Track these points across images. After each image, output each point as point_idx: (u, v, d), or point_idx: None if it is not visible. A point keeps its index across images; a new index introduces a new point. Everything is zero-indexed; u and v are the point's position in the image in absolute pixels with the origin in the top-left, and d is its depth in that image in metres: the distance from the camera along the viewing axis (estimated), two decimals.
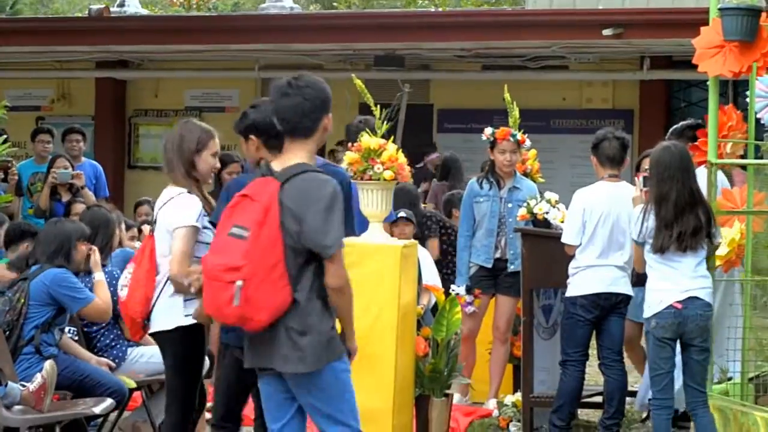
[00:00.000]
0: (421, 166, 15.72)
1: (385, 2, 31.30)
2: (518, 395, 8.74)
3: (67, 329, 8.18)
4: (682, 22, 12.97)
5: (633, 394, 8.71)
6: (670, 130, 9.17)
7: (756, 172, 7.99)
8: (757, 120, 8.07)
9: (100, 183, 12.46)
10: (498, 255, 9.46)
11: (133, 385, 8.25)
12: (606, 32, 14.74)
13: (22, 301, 7.82)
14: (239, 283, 5.20)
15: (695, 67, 7.53)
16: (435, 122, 17.81)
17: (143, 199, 11.84)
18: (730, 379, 7.72)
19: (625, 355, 8.33)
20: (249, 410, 6.85)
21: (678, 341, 7.26)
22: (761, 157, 8.36)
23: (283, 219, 5.29)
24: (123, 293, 6.63)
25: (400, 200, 8.54)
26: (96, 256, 8.20)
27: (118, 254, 8.98)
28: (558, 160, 16.39)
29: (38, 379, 7.34)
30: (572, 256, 8.04)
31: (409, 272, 8.07)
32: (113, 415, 8.28)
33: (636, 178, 7.84)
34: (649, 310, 7.31)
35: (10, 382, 7.35)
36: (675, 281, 7.25)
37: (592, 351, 8.19)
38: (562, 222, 8.64)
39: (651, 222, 7.27)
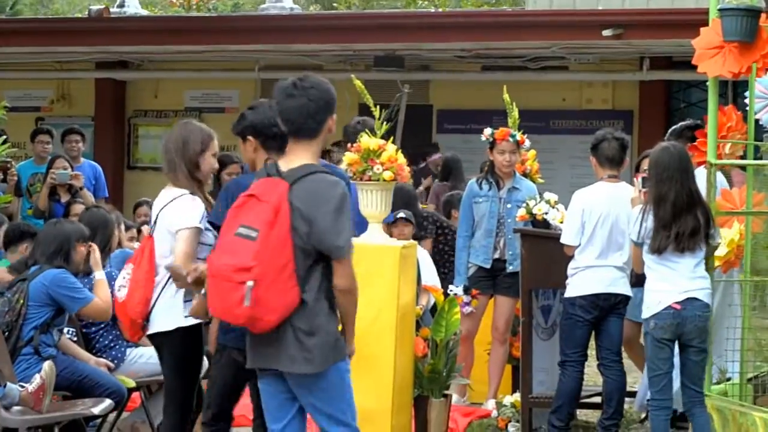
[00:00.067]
0: (423, 165, 15.73)
1: (385, 3, 31.30)
2: (517, 396, 8.73)
3: (66, 330, 8.18)
4: (682, 23, 12.97)
5: (632, 394, 8.70)
6: (669, 130, 9.16)
7: (755, 173, 7.99)
8: (757, 120, 8.07)
9: (100, 183, 12.47)
10: (497, 255, 9.46)
11: (132, 384, 8.26)
12: (606, 33, 14.73)
13: (21, 301, 7.82)
14: (250, 283, 5.19)
15: (695, 67, 7.53)
16: (434, 123, 17.81)
17: (142, 199, 11.83)
18: (728, 379, 7.72)
19: (624, 355, 8.33)
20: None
21: (676, 342, 7.26)
22: (761, 158, 8.36)
23: (292, 220, 5.29)
24: (120, 294, 6.61)
25: (397, 200, 8.52)
26: (96, 255, 8.19)
27: (118, 255, 8.98)
28: (557, 160, 16.39)
29: (37, 379, 7.34)
30: (571, 257, 8.03)
31: (408, 273, 8.07)
32: (112, 416, 8.28)
33: (635, 179, 7.84)
34: (647, 311, 7.31)
35: (8, 383, 7.35)
36: (673, 282, 7.25)
37: (591, 351, 8.19)
38: (562, 222, 8.64)
39: (650, 223, 7.27)
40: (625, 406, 8.29)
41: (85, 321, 8.41)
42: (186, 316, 6.47)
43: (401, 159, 8.05)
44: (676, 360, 7.33)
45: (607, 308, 7.97)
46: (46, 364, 7.41)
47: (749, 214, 7.73)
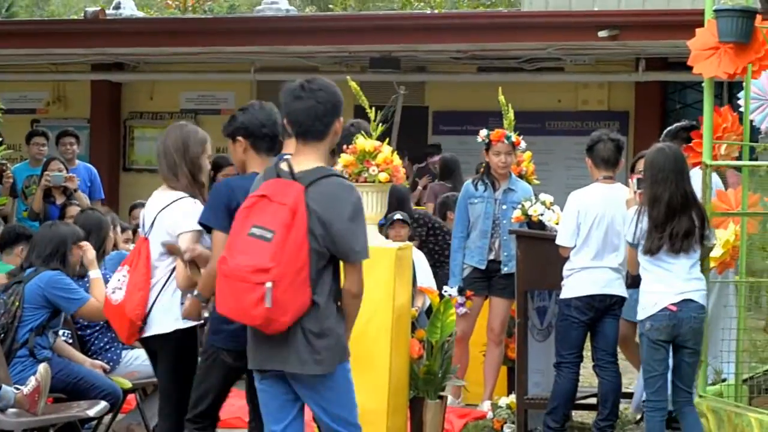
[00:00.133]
0: (423, 165, 15.73)
1: (380, 4, 31.31)
2: (512, 397, 8.73)
3: (61, 332, 8.17)
4: (678, 24, 12.97)
5: (627, 395, 8.70)
6: (665, 131, 9.17)
7: (751, 174, 7.99)
8: (751, 121, 8.08)
9: (95, 186, 12.47)
10: (492, 257, 9.46)
11: (129, 385, 8.26)
12: (601, 34, 14.74)
13: (17, 304, 7.81)
14: (269, 284, 5.18)
15: (690, 68, 7.52)
16: (430, 124, 17.82)
17: (138, 202, 11.79)
18: (724, 380, 7.71)
19: (621, 356, 8.33)
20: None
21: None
22: (756, 159, 8.36)
23: (309, 223, 5.30)
24: (115, 296, 6.59)
25: (390, 200, 8.53)
26: (89, 254, 8.14)
27: (113, 257, 8.96)
28: (553, 162, 16.40)
29: (32, 382, 7.33)
30: (567, 258, 8.03)
31: (404, 274, 8.07)
32: (107, 418, 8.28)
33: (630, 180, 7.84)
34: (643, 313, 7.31)
35: (4, 386, 7.34)
36: (669, 283, 7.25)
37: (587, 353, 8.19)
38: (557, 224, 8.64)
39: (645, 224, 7.27)
40: (621, 407, 8.29)
41: (80, 323, 8.40)
42: (185, 319, 6.47)
43: (397, 160, 8.06)
44: (671, 361, 7.33)
45: (603, 309, 7.97)
46: (42, 367, 7.40)
47: (745, 215, 7.74)
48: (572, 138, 16.57)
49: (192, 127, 6.81)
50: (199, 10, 30.27)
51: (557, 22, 15.49)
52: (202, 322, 6.47)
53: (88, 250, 8.15)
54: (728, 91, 15.19)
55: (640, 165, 8.28)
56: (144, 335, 6.58)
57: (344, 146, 8.13)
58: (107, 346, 8.42)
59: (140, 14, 19.76)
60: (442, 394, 8.39)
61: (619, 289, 8.01)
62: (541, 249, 8.43)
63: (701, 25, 7.53)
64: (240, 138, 6.42)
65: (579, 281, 7.96)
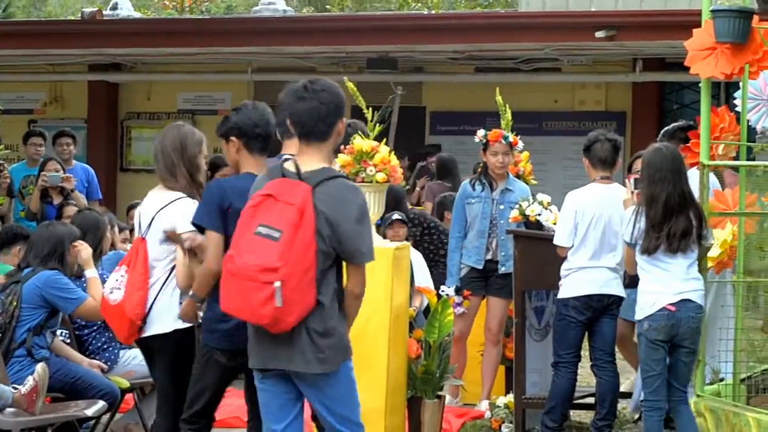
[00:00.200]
0: (423, 165, 15.72)
1: (378, 5, 31.30)
2: (510, 397, 8.74)
3: (59, 332, 8.16)
4: (675, 24, 12.98)
5: (625, 395, 8.71)
6: (662, 131, 9.18)
7: (748, 174, 8.00)
8: (748, 121, 8.08)
9: (92, 186, 12.47)
10: (489, 256, 9.46)
11: (127, 385, 8.26)
12: (599, 34, 14.73)
13: (15, 304, 7.81)
14: (278, 284, 5.20)
15: (688, 69, 7.53)
16: (428, 124, 17.82)
17: (135, 202, 11.77)
18: (722, 380, 7.72)
19: (619, 356, 8.34)
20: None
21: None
22: (753, 159, 8.37)
23: (317, 223, 5.32)
24: (113, 296, 6.58)
25: (387, 200, 8.52)
26: (84, 253, 8.12)
27: (111, 257, 8.95)
28: (550, 162, 16.40)
29: (30, 381, 7.34)
30: (564, 258, 8.04)
31: (402, 274, 8.08)
32: (105, 418, 8.27)
33: (627, 180, 7.85)
34: (641, 313, 7.31)
35: (1, 385, 7.34)
36: (667, 283, 7.25)
37: (584, 352, 8.19)
38: (554, 224, 8.65)
39: (642, 224, 7.27)
40: (619, 407, 8.30)
41: (78, 323, 8.40)
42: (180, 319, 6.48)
43: (394, 160, 8.06)
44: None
45: (600, 309, 7.98)
46: (39, 366, 7.41)
47: (742, 215, 7.75)
48: (569, 138, 16.57)
49: (189, 127, 6.83)
50: (196, 11, 30.26)
51: (554, 23, 15.49)
52: (200, 323, 6.47)
53: (83, 250, 8.13)
54: (725, 91, 15.18)
55: (638, 165, 8.28)
56: (144, 335, 6.58)
57: (341, 146, 8.14)
58: (105, 346, 8.42)
59: (137, 15, 19.75)
60: (440, 393, 8.39)
61: (617, 289, 8.02)
62: (538, 249, 8.44)
63: (698, 25, 7.54)
64: (233, 138, 6.43)
65: (577, 281, 7.96)
